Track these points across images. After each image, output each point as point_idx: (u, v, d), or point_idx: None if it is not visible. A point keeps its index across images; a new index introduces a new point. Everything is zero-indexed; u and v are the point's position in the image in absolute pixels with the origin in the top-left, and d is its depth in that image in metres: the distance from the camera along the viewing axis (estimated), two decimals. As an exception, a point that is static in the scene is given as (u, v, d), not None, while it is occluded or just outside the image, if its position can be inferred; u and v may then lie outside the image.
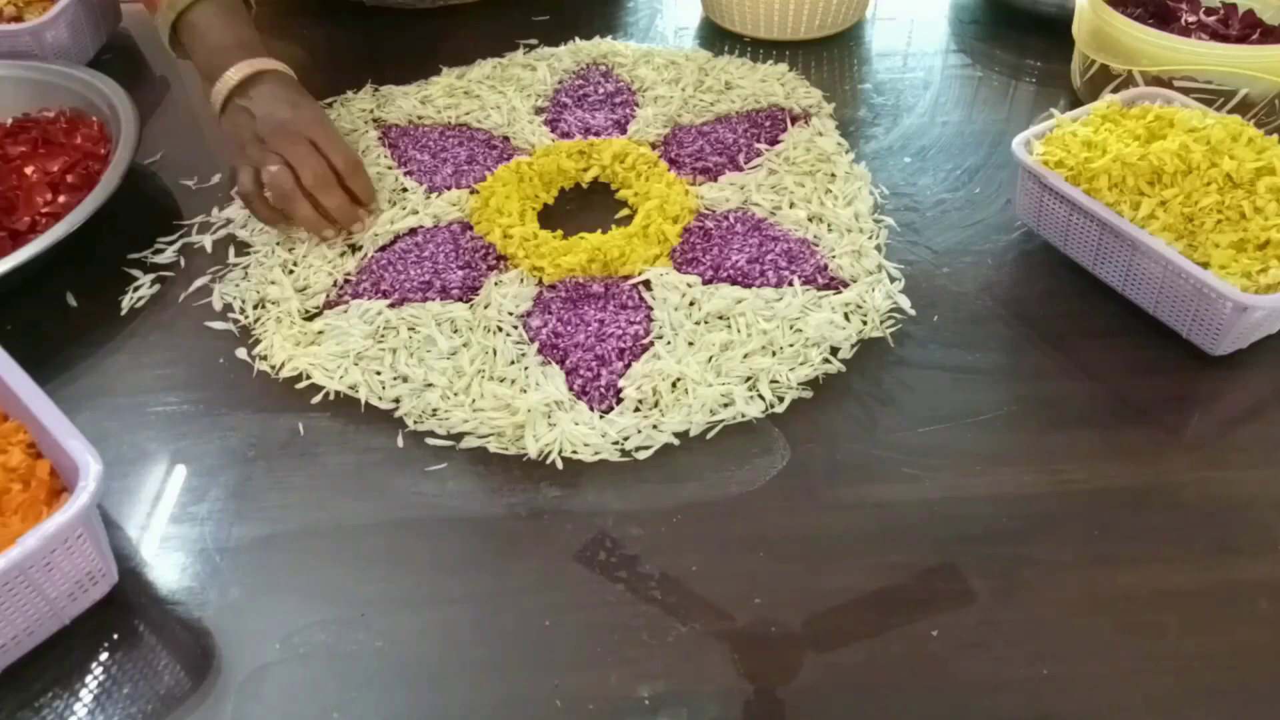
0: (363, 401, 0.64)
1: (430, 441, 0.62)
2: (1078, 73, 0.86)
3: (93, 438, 0.51)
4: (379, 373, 0.65)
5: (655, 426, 0.61)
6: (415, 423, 0.63)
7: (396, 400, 0.64)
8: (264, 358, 0.67)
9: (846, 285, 0.70)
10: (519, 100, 0.88)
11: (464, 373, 0.64)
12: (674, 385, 0.63)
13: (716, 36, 0.99)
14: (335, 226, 0.74)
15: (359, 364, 0.66)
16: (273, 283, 0.72)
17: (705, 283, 0.70)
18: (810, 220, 0.74)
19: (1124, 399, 0.63)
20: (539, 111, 0.88)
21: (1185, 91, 0.75)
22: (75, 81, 0.84)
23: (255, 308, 0.71)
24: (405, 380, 0.65)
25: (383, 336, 0.67)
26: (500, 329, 0.67)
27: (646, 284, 0.70)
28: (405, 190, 0.79)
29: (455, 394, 0.63)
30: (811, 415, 0.63)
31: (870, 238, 0.73)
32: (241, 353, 0.68)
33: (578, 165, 0.81)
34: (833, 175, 0.78)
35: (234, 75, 0.73)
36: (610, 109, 0.87)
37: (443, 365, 0.65)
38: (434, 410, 0.63)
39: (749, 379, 0.64)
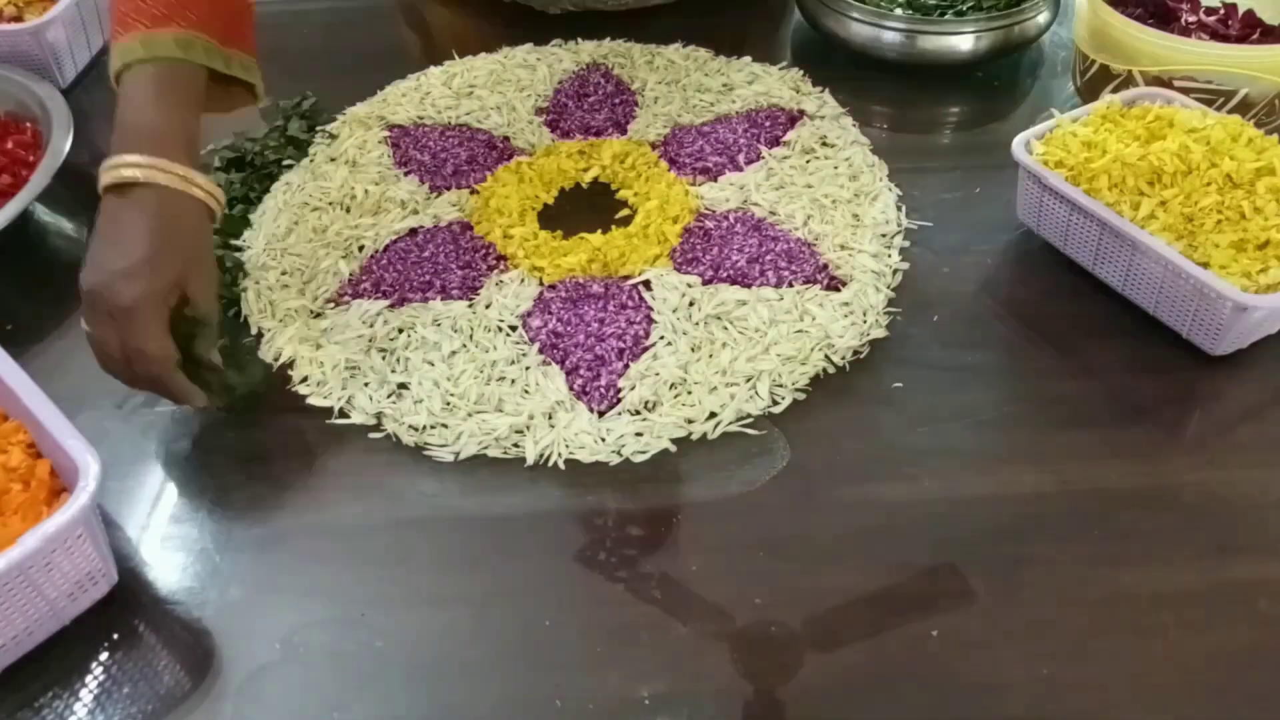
0: (363, 401, 0.64)
1: (430, 442, 0.62)
2: (1077, 73, 0.85)
3: (93, 438, 0.51)
4: (376, 369, 0.65)
5: (655, 427, 0.61)
6: (415, 423, 0.63)
7: (396, 401, 0.64)
8: (275, 359, 0.67)
9: (846, 285, 0.70)
10: (519, 100, 0.88)
11: (464, 373, 0.64)
12: (674, 385, 0.63)
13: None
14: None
15: (358, 365, 0.66)
16: (285, 286, 0.72)
17: (705, 283, 0.70)
18: (810, 219, 0.74)
19: (1124, 399, 0.63)
20: (539, 111, 0.88)
21: (1185, 91, 0.75)
22: (10, 84, 0.84)
23: (260, 310, 0.71)
24: (405, 381, 0.65)
25: (393, 336, 0.67)
26: (501, 329, 0.67)
27: (646, 284, 0.70)
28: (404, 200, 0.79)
29: (454, 395, 0.63)
30: (811, 415, 0.63)
31: (871, 239, 0.73)
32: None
33: (578, 165, 0.82)
34: (852, 176, 0.78)
35: (107, 174, 0.57)
36: (610, 109, 0.87)
37: (443, 365, 0.65)
38: (434, 411, 0.63)
39: (749, 379, 0.64)
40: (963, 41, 0.86)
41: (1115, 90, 0.79)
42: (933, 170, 0.81)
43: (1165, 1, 0.84)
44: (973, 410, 0.63)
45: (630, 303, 0.69)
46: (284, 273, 0.73)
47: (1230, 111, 0.76)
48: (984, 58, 0.88)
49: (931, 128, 0.87)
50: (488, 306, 0.69)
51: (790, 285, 0.69)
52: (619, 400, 0.63)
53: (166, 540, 0.58)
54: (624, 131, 0.85)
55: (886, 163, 0.81)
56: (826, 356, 0.65)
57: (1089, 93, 0.84)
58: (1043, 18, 0.88)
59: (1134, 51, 0.78)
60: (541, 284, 0.71)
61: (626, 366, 0.65)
